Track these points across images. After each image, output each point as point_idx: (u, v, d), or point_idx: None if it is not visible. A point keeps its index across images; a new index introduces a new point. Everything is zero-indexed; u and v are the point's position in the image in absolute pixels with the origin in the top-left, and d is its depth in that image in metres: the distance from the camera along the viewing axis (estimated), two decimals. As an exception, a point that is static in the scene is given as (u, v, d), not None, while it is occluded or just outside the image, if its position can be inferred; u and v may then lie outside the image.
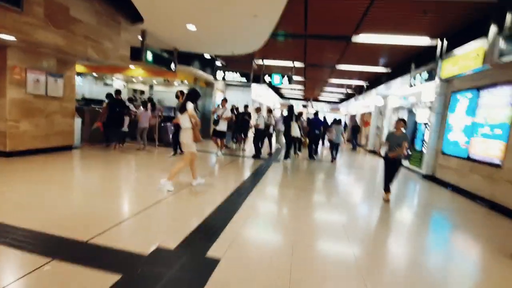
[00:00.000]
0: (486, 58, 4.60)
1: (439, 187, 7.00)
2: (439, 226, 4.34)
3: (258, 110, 10.01)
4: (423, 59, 7.05)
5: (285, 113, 11.36)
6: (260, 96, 19.25)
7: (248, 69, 9.76)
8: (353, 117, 21.79)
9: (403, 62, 8.55)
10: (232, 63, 11.12)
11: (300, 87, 17.36)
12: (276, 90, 20.32)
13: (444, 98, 7.67)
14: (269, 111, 9.55)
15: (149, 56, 7.30)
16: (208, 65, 10.36)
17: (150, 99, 8.48)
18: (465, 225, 4.31)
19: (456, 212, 5.04)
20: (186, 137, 4.25)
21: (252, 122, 10.35)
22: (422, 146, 10.04)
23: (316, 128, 10.00)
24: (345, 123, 24.34)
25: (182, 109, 4.23)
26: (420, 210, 5.02)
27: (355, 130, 15.02)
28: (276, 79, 9.28)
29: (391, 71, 9.75)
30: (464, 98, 6.64)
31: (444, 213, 4.95)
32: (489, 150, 5.51)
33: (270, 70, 9.57)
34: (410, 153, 12.75)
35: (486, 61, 4.60)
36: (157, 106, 7.51)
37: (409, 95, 10.48)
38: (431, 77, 6.25)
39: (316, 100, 24.23)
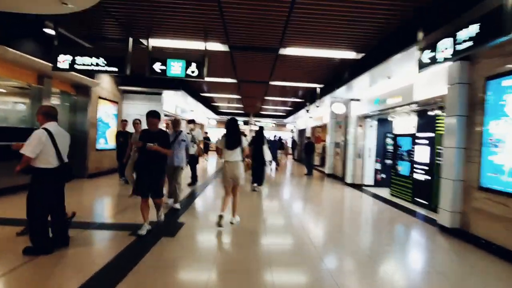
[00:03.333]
0: None
1: (494, 259, 3.40)
2: None
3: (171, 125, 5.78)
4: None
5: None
6: (185, 112, 14.75)
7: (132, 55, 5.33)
8: (303, 133, 18.67)
9: (393, 31, 5.11)
10: (106, 46, 6.48)
11: (236, 96, 13.42)
12: (207, 103, 16.12)
13: (467, 90, 4.34)
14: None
15: None
16: (62, 49, 5.49)
17: None
18: None
19: None
20: (242, 170, 4.23)
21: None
22: (412, 170, 6.74)
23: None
24: (293, 141, 21.28)
25: (236, 144, 4.15)
26: None
27: (309, 149, 11.50)
28: (175, 68, 5.03)
29: (363, 57, 6.37)
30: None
31: None
32: None
33: (165, 55, 5.29)
34: (384, 176, 9.61)
35: None
36: None
37: (388, 96, 7.22)
38: (495, 30, 2.73)
39: (259, 115, 20.73)
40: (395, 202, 6.87)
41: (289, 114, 18.81)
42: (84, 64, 5.04)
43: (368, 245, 4.03)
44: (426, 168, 6.19)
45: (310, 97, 11.60)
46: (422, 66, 3.90)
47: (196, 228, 4.33)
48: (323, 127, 16.10)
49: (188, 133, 6.08)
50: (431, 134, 6.07)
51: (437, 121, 5.92)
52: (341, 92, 8.47)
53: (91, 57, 5.04)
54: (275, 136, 16.07)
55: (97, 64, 5.04)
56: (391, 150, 8.68)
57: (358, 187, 8.81)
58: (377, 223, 5.38)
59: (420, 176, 6.38)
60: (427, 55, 3.76)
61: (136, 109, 10.08)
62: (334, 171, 11.34)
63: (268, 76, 8.91)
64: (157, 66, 5.10)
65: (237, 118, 16.58)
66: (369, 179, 8.83)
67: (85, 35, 5.92)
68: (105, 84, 8.70)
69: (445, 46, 3.38)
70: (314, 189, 8.87)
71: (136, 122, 6.29)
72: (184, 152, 5.08)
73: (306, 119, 16.85)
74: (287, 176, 11.82)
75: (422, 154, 6.32)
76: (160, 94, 10.12)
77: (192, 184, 7.61)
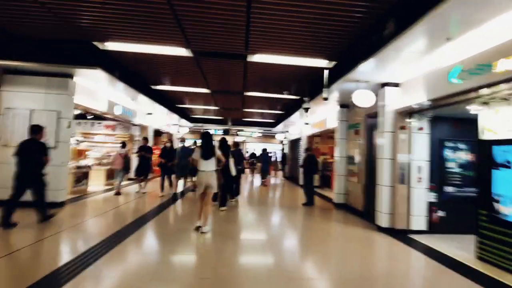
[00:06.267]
0: None
1: None
2: None
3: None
4: None
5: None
6: (135, 116, 10.85)
7: None
8: (297, 143, 14.83)
9: None
10: None
11: (203, 90, 9.55)
12: (171, 105, 12.29)
13: None
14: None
15: None
16: None
17: None
18: None
19: None
20: (215, 179, 4.66)
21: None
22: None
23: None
24: (284, 154, 17.57)
25: (211, 154, 4.64)
26: None
27: (309, 166, 7.71)
28: None
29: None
30: None
31: None
32: None
33: None
34: (443, 214, 5.69)
35: None
36: None
37: (501, 53, 3.46)
38: None
39: (241, 122, 16.92)
40: (502, 282, 3.17)
41: (279, 120, 15.16)
42: None
43: None
44: None
45: (311, 89, 7.97)
46: None
47: None
48: (324, 135, 12.47)
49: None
50: None
51: None
52: (368, 68, 4.86)
53: None
54: (264, 149, 12.87)
55: None
56: (459, 170, 5.05)
57: (401, 234, 5.04)
58: None
59: None
60: None
61: (28, 100, 6.12)
62: (348, 201, 7.58)
63: (244, 40, 5.18)
64: None
65: (214, 126, 13.17)
66: (419, 220, 5.09)
67: None
68: None
69: None
70: (322, 240, 5.03)
71: None
72: None
73: (302, 125, 13.17)
74: (276, 206, 7.96)
75: None
76: (69, 76, 6.21)
77: None
